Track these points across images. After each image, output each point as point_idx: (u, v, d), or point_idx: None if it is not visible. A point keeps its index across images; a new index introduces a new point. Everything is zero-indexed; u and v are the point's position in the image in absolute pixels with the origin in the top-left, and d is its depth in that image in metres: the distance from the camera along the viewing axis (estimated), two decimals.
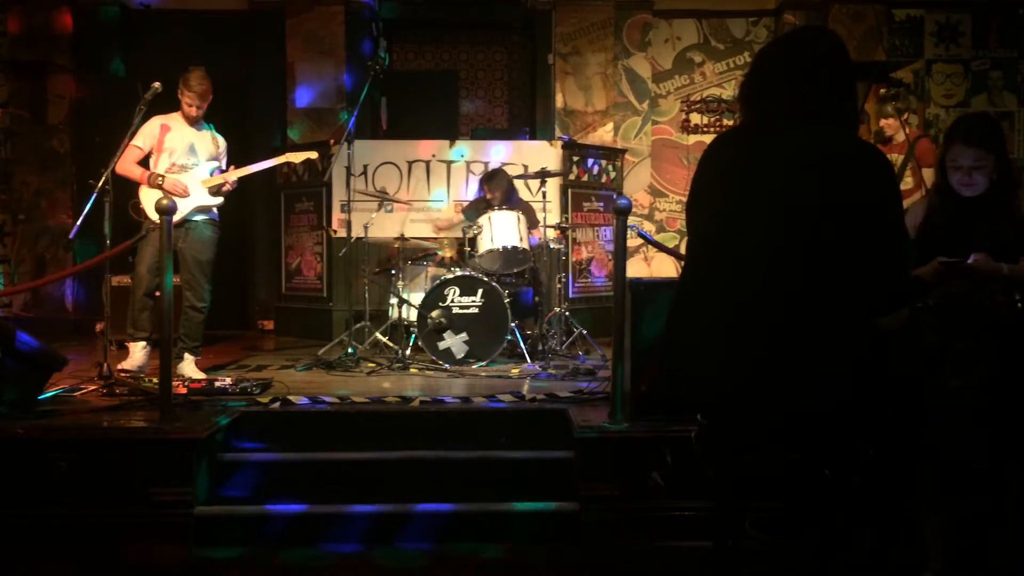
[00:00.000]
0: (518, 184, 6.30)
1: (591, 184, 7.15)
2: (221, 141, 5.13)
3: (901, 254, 1.92)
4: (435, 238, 6.42)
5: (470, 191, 6.68)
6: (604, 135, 7.89)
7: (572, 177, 6.95)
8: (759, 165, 1.95)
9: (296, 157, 5.49)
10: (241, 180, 5.14)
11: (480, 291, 5.42)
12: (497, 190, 5.97)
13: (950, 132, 2.86)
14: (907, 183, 5.72)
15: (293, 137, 7.67)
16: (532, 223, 5.90)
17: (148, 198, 4.83)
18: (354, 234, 5.73)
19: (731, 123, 8.20)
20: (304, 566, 3.37)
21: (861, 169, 1.88)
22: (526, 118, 8.52)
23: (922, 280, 2.70)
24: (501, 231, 5.50)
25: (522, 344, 5.55)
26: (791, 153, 1.92)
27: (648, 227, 8.02)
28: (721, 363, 1.93)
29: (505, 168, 6.29)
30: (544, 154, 6.75)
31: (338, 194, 6.53)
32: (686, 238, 2.32)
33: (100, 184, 4.47)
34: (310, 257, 7.03)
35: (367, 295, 5.91)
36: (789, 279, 1.87)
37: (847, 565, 2.06)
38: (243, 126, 7.64)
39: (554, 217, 6.38)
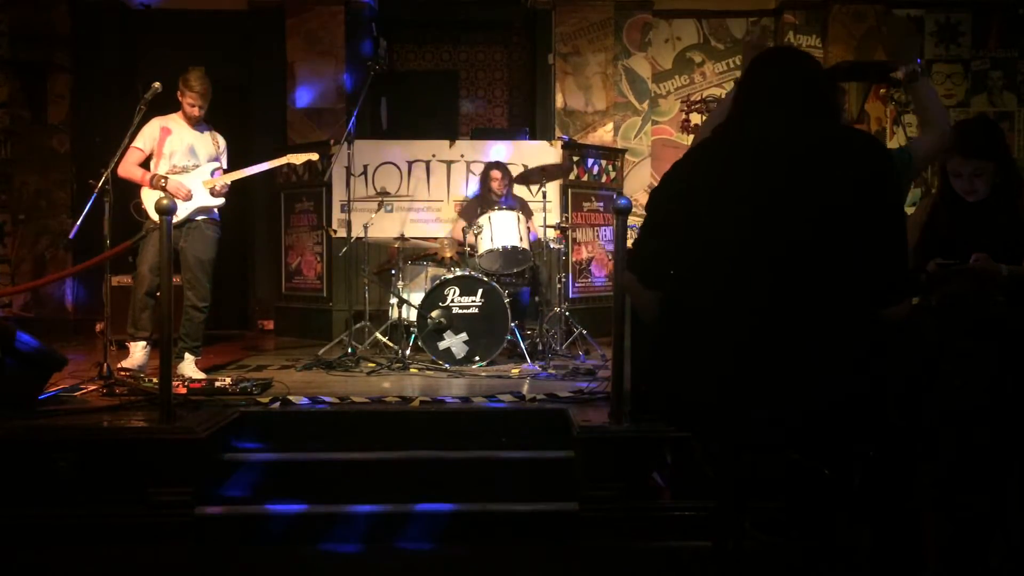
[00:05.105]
0: (519, 185, 6.29)
1: (591, 184, 7.15)
2: (221, 141, 5.12)
3: (901, 237, 1.89)
4: (436, 238, 6.41)
5: (470, 191, 6.68)
6: (604, 135, 7.89)
7: (572, 177, 6.95)
8: (749, 159, 1.93)
9: (297, 158, 5.49)
10: (242, 180, 5.14)
11: (480, 291, 5.42)
12: (503, 177, 6.01)
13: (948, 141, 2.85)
14: None
15: (293, 137, 7.67)
16: (527, 215, 5.93)
17: (150, 198, 4.82)
18: (354, 234, 5.73)
19: None
20: (304, 566, 3.37)
21: (855, 153, 1.88)
22: (526, 118, 8.52)
23: (928, 275, 2.69)
24: (501, 231, 5.50)
25: (522, 344, 5.55)
26: (778, 144, 1.91)
27: None
28: (720, 363, 1.92)
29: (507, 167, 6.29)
30: (544, 154, 6.74)
31: (338, 194, 6.53)
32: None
33: (100, 184, 4.48)
34: (310, 257, 7.03)
35: (367, 295, 5.91)
36: (787, 277, 1.86)
37: (847, 565, 2.06)
38: (243, 126, 7.64)
39: (554, 217, 6.38)
